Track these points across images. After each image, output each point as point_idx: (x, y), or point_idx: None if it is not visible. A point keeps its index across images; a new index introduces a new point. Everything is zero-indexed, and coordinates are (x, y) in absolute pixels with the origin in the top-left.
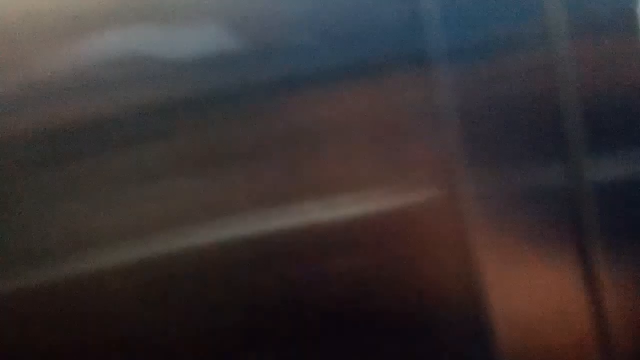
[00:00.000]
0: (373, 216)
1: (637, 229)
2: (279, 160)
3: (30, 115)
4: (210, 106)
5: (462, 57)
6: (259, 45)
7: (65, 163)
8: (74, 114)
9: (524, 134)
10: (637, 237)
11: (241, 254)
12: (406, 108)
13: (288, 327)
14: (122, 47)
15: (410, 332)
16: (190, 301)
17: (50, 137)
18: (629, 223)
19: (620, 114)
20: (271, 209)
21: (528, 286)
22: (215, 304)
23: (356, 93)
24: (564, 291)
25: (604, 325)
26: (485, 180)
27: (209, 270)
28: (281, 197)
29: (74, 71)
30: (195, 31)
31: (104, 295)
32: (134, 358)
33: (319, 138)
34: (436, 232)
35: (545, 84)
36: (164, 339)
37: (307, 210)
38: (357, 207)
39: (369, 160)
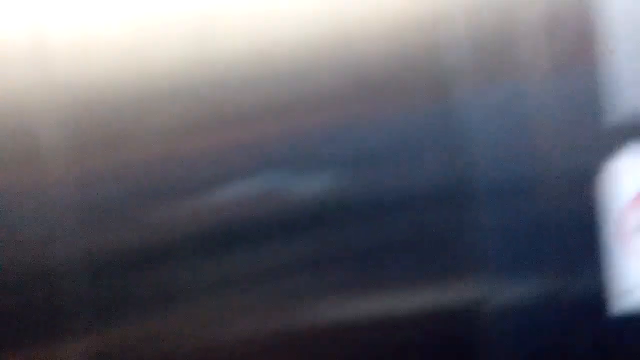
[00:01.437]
0: None
1: None
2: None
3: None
4: (327, 235)
5: None
6: (365, 184)
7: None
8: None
9: None
10: None
11: None
12: None
13: None
14: (261, 186)
15: None
16: None
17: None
18: None
19: None
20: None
21: None
22: None
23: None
24: None
25: None
26: None
27: None
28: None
29: (230, 203)
30: (315, 175)
31: None
32: None
33: None
34: None
35: None
36: None
37: None
38: None
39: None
